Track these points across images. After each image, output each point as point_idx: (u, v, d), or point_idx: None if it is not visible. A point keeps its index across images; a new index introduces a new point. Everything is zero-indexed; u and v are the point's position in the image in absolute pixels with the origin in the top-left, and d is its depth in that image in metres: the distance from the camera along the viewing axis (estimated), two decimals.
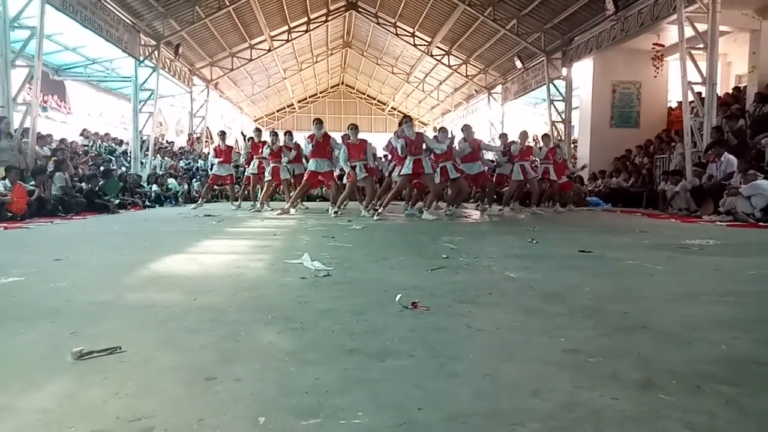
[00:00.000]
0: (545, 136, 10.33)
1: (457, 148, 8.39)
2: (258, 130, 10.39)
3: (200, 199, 10.35)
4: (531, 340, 1.69)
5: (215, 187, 11.99)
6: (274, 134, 9.55)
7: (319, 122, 8.26)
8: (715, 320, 1.95)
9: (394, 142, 7.73)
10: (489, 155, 10.50)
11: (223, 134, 10.66)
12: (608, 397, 1.21)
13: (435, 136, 8.30)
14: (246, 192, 10.90)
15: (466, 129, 8.57)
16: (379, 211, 7.59)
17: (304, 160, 9.06)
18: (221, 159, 10.06)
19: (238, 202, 10.36)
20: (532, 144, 10.51)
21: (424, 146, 7.48)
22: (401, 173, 7.72)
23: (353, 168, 7.81)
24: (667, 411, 1.15)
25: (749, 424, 1.12)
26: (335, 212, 7.78)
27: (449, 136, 8.39)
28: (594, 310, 2.08)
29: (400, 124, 7.81)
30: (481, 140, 8.85)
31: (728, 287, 2.62)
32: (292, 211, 8.60)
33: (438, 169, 7.92)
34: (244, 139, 10.96)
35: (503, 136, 10.12)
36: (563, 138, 14.42)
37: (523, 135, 9.49)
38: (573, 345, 1.61)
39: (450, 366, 1.43)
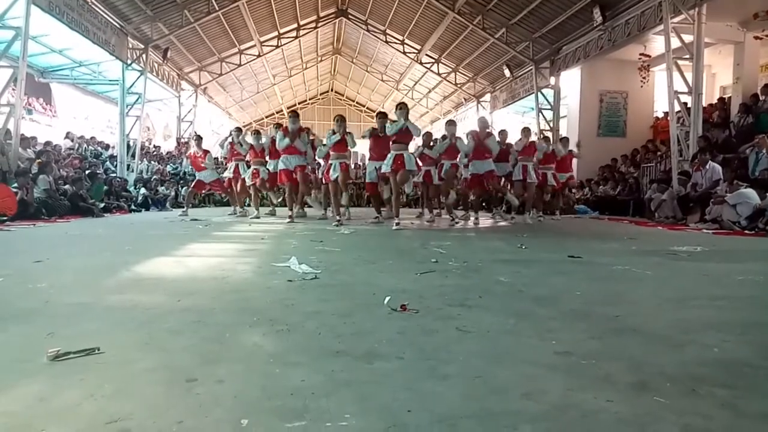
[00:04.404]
0: (524, 129, 9.04)
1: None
2: (238, 129, 9.52)
3: (186, 206, 9.57)
4: (522, 343, 1.66)
5: (201, 192, 11.57)
6: (257, 132, 9.14)
7: (294, 115, 7.84)
8: (706, 324, 1.93)
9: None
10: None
11: (199, 138, 9.90)
12: (602, 399, 1.18)
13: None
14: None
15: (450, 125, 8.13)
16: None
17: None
18: (202, 164, 9.38)
19: (239, 207, 9.42)
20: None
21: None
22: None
23: (329, 166, 7.49)
24: (663, 413, 1.12)
25: (746, 427, 1.09)
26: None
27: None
28: (585, 313, 2.06)
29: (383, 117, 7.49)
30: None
31: (717, 292, 2.61)
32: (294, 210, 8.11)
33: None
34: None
35: (503, 132, 9.16)
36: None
37: (526, 131, 8.74)
38: (564, 347, 1.58)
39: (440, 368, 1.39)
